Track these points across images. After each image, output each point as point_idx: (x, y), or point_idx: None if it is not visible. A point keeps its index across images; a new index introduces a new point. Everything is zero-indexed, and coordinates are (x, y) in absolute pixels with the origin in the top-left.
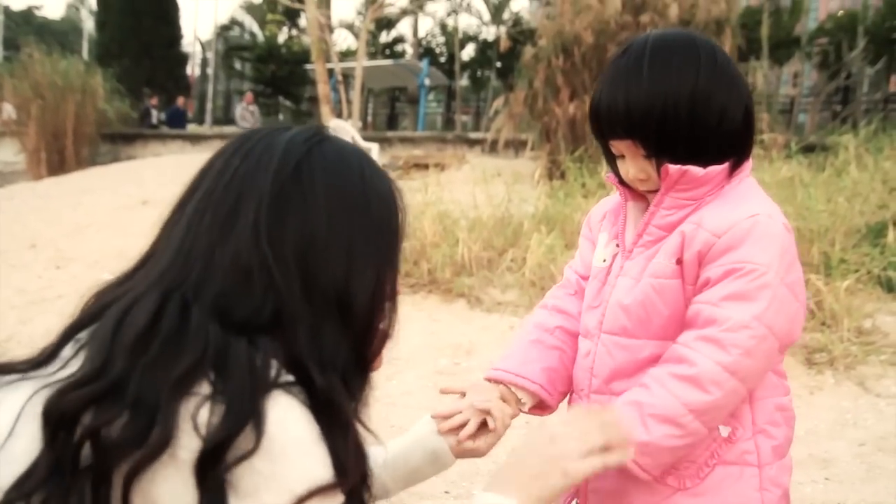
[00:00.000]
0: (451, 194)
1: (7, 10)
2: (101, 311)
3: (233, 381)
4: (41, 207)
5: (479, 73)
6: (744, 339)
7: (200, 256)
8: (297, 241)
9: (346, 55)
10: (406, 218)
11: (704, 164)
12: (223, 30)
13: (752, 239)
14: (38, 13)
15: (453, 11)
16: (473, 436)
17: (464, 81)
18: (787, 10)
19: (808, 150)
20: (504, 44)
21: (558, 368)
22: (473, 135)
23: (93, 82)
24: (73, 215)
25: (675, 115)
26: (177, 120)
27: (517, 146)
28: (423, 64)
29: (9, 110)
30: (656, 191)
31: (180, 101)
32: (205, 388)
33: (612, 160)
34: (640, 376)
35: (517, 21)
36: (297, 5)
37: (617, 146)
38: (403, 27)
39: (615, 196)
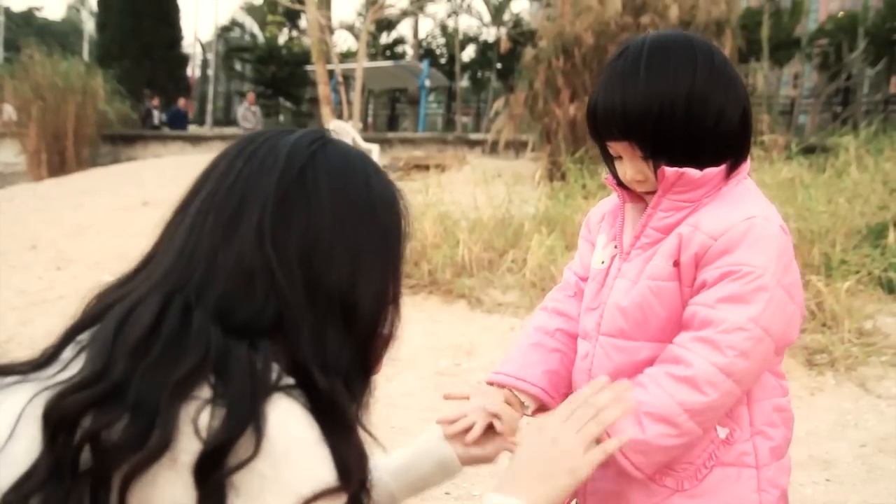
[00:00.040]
0: (451, 195)
1: (7, 12)
2: (103, 313)
3: (233, 385)
4: (42, 208)
5: (479, 74)
6: (739, 340)
7: (203, 258)
8: (302, 244)
9: (347, 56)
10: (410, 223)
11: (702, 165)
12: (223, 31)
13: (749, 241)
14: (38, 14)
15: (454, 13)
16: (481, 442)
17: (464, 83)
18: (787, 11)
19: (809, 151)
20: (504, 45)
21: (559, 371)
22: (474, 136)
23: (93, 83)
24: (73, 216)
25: (672, 116)
26: (178, 121)
27: (518, 147)
28: (424, 65)
29: (9, 111)
30: (654, 192)
31: (181, 102)
32: (205, 392)
33: (609, 161)
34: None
35: (517, 22)
36: (297, 6)
37: (614, 147)
38: (404, 28)
39: (614, 197)
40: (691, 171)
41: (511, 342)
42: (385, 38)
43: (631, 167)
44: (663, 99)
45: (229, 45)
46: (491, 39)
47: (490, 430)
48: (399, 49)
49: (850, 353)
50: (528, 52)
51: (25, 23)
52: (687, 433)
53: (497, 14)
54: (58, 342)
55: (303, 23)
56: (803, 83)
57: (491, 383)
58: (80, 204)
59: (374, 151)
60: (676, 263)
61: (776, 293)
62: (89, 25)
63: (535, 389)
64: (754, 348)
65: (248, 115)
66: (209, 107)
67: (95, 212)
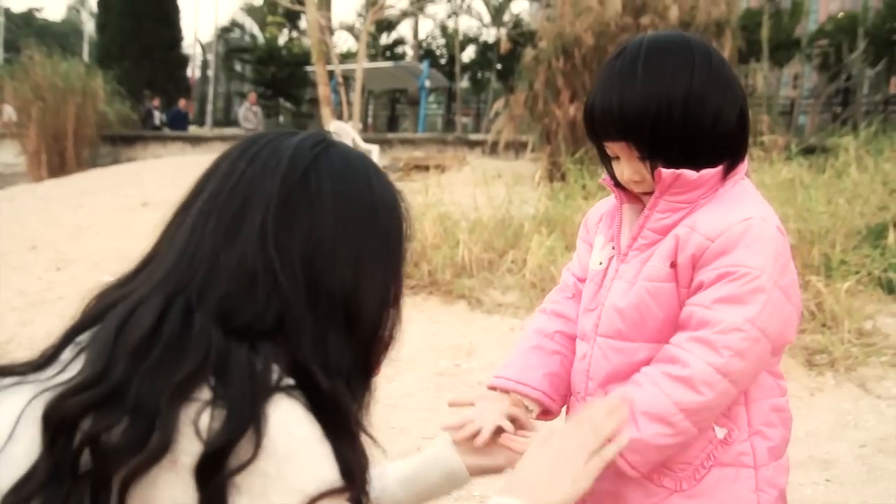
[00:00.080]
0: (451, 196)
1: (7, 12)
2: (103, 314)
3: (233, 387)
4: (42, 209)
5: (479, 74)
6: (736, 341)
7: (205, 259)
8: (305, 246)
9: (347, 57)
10: (411, 225)
11: (699, 166)
12: (223, 32)
13: (746, 242)
14: (38, 15)
15: (454, 13)
16: (490, 451)
17: (464, 83)
18: (787, 11)
19: (809, 151)
20: (504, 46)
21: (560, 373)
22: (474, 136)
23: (93, 84)
24: (73, 217)
25: (669, 116)
26: (178, 122)
27: (517, 148)
28: (424, 66)
29: (9, 112)
30: (651, 193)
31: (182, 103)
32: (205, 394)
33: (607, 162)
34: None
35: (517, 23)
36: (297, 7)
37: (612, 148)
38: (404, 29)
39: (612, 198)
40: (688, 173)
41: (511, 343)
42: (385, 39)
43: (628, 168)
44: (661, 99)
45: (229, 45)
46: (491, 40)
47: (498, 436)
48: (399, 50)
49: (850, 353)
50: (528, 53)
51: (25, 23)
52: (682, 433)
53: (497, 15)
54: (57, 343)
55: (303, 23)
56: (803, 84)
57: (493, 388)
58: (80, 205)
59: (374, 152)
60: (673, 265)
61: (773, 294)
62: (89, 26)
63: (537, 393)
64: (751, 349)
65: (250, 115)
66: (209, 107)
67: (95, 212)
